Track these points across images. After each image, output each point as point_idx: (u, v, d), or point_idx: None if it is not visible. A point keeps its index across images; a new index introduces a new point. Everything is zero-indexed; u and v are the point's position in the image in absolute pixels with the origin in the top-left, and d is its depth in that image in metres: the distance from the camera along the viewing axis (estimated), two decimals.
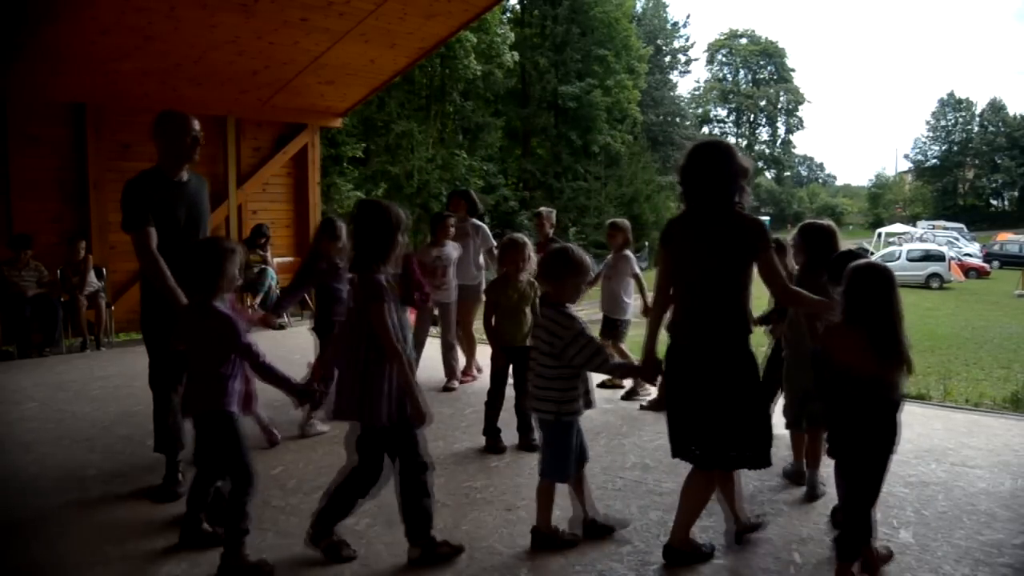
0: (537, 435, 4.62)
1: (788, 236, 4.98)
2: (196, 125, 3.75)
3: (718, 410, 2.93)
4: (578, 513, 3.41)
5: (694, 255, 3.01)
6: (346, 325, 3.13)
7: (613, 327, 6.26)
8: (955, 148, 62.71)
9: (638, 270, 6.34)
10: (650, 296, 4.08)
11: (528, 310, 4.77)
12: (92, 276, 8.27)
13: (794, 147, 66.35)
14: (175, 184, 3.76)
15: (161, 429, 3.83)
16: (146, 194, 3.63)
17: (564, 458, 3.24)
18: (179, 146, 3.72)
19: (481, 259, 6.70)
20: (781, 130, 65.16)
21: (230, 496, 3.07)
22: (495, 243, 6.41)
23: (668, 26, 55.42)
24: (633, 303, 6.34)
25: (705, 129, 62.24)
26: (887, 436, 2.82)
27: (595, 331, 4.06)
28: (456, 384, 6.32)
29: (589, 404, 3.28)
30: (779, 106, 63.78)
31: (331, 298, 4.76)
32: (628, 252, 6.32)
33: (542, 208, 7.22)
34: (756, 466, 3.01)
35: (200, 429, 3.16)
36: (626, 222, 6.53)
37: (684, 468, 4.23)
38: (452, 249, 6.19)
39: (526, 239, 4.86)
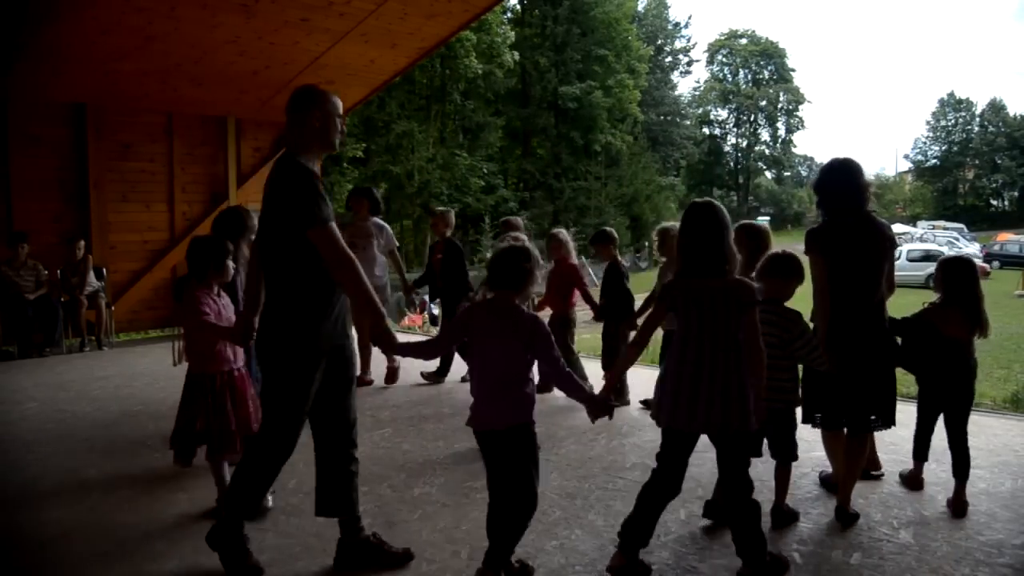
0: None
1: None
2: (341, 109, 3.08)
3: (886, 382, 3.56)
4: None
5: (854, 256, 3.52)
6: (695, 331, 2.87)
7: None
8: (955, 148, 62.64)
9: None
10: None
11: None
12: (92, 276, 8.27)
13: (794, 147, 66.25)
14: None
15: (254, 497, 3.04)
16: (318, 183, 2.91)
17: (794, 441, 3.53)
18: (331, 133, 3.04)
19: (383, 260, 6.51)
20: (781, 130, 65.01)
21: (515, 516, 2.84)
22: (397, 244, 6.56)
23: (669, 26, 55.42)
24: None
25: (705, 130, 62.19)
26: (972, 386, 3.79)
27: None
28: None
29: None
30: (779, 106, 63.65)
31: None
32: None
33: (439, 208, 7.30)
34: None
35: (498, 445, 2.82)
36: (519, 220, 6.60)
37: None
38: None
39: (523, 238, 4.84)
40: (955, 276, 3.75)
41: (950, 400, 3.77)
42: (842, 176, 3.62)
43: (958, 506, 3.66)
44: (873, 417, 3.58)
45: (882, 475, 4.13)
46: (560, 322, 5.88)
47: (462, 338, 2.93)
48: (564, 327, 5.89)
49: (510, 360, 2.78)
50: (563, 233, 6.15)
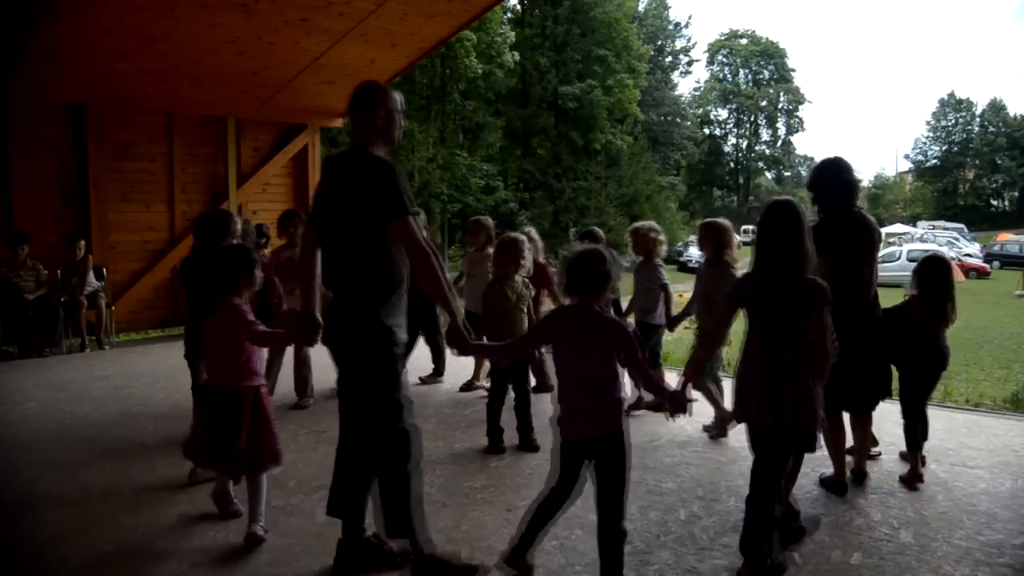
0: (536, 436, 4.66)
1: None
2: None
3: (884, 367, 4.01)
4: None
5: (851, 251, 3.77)
6: (767, 328, 2.91)
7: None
8: (955, 148, 62.63)
9: None
10: None
11: (525, 309, 4.75)
12: (92, 276, 8.26)
13: (794, 147, 66.26)
14: None
15: (413, 504, 2.97)
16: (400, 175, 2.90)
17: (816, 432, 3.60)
18: (392, 130, 3.04)
19: None
20: (782, 130, 65.02)
21: (606, 531, 2.84)
22: None
23: (670, 26, 55.41)
24: None
25: (706, 130, 62.17)
26: (938, 373, 4.16)
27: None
28: (310, 401, 5.71)
29: None
30: (779, 106, 63.63)
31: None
32: (491, 250, 6.20)
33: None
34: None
35: (589, 455, 2.83)
36: (490, 220, 6.54)
37: (683, 468, 4.25)
38: None
39: (523, 237, 4.86)
40: (928, 272, 4.10)
41: (917, 383, 4.09)
42: (834, 175, 3.88)
43: (911, 477, 4.02)
44: (873, 399, 3.96)
45: (879, 454, 4.46)
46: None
47: (542, 343, 2.92)
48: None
49: (598, 366, 2.76)
50: (533, 232, 6.17)
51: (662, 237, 5.61)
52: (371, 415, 2.93)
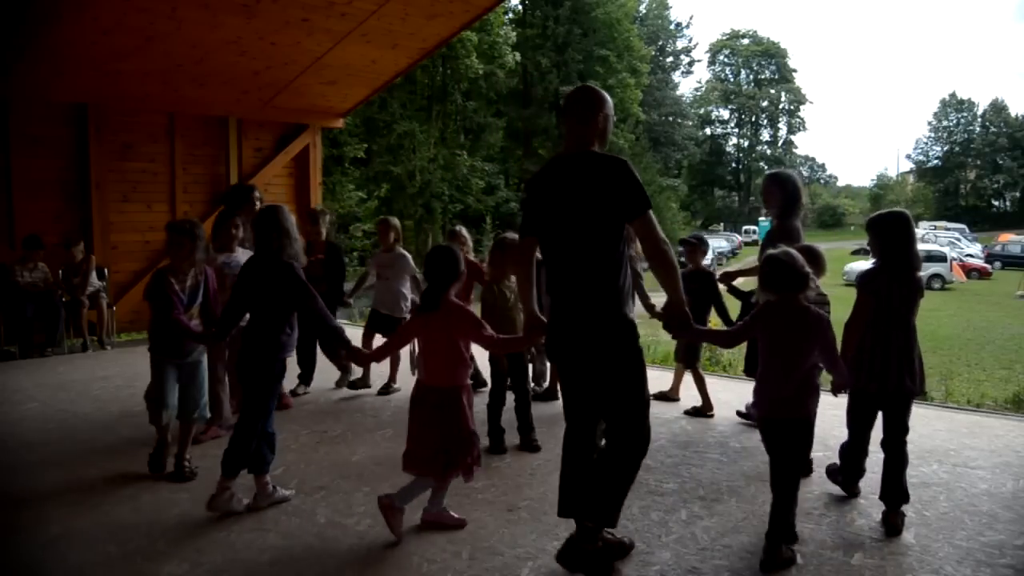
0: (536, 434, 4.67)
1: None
2: None
3: None
4: None
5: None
6: (890, 313, 3.44)
7: (394, 325, 5.94)
8: (957, 149, 62.63)
9: (416, 270, 6.15)
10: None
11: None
12: (93, 276, 8.26)
13: (796, 148, 66.27)
14: None
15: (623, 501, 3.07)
16: None
17: None
18: (608, 134, 3.14)
19: None
20: (783, 131, 65.06)
21: (783, 489, 3.14)
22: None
23: (671, 27, 55.44)
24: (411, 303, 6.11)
25: (707, 130, 62.17)
26: None
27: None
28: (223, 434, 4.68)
29: None
30: (781, 106, 63.65)
31: None
32: (402, 250, 6.24)
33: (316, 207, 6.97)
34: None
35: (782, 434, 3.15)
36: (396, 220, 6.43)
37: (684, 468, 4.24)
38: (243, 256, 4.81)
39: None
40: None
41: None
42: (796, 186, 4.74)
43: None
44: None
45: None
46: None
47: (756, 334, 3.25)
48: None
49: (803, 355, 3.12)
50: (463, 231, 6.11)
51: None
52: (626, 411, 2.99)
